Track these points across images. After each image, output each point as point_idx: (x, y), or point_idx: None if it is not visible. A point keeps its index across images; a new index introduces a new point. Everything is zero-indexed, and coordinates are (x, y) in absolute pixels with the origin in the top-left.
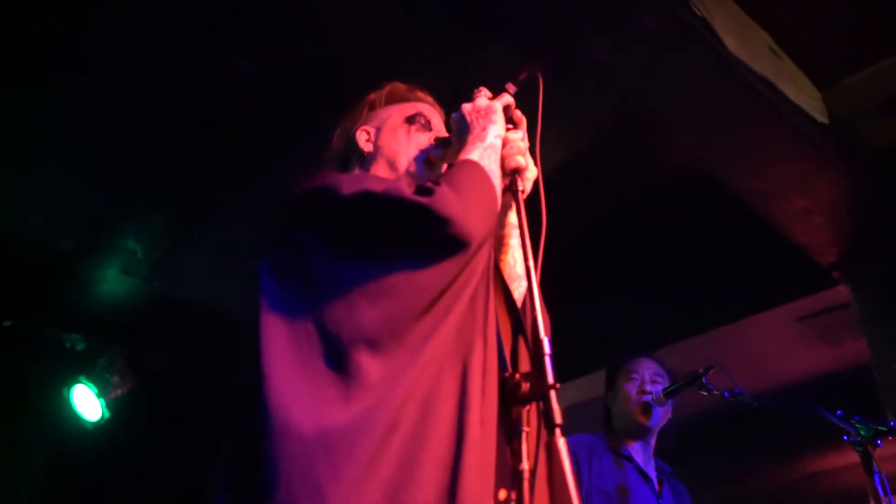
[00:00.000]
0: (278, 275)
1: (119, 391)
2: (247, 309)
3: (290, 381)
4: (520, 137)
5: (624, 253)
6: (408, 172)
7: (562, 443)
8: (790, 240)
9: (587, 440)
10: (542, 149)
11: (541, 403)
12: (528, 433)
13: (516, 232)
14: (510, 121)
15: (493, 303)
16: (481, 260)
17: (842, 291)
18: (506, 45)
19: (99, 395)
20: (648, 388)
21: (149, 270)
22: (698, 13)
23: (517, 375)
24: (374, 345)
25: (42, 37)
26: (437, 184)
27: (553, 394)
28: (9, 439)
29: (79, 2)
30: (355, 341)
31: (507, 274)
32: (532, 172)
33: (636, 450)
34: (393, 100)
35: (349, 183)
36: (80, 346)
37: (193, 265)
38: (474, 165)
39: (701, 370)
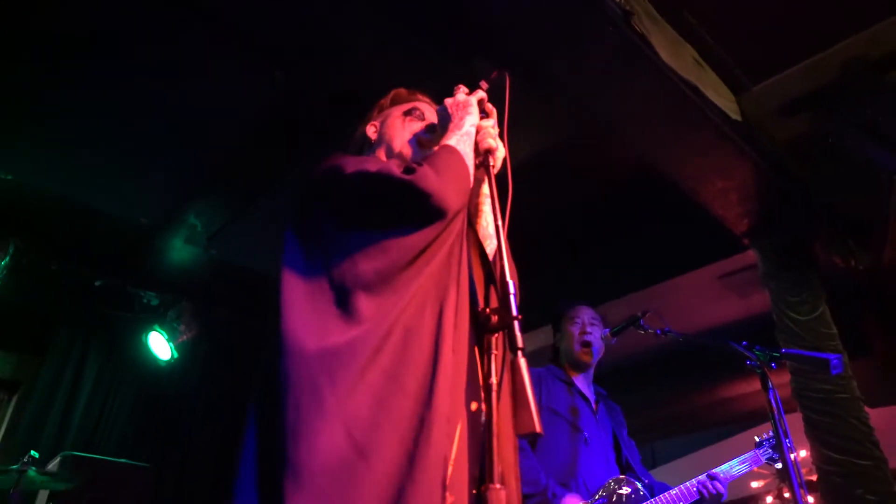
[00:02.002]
0: (300, 239)
1: (185, 337)
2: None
3: (303, 316)
4: (491, 125)
5: (579, 228)
6: (401, 154)
7: (523, 362)
8: (712, 213)
9: (536, 372)
10: (513, 147)
11: (506, 332)
12: (496, 355)
13: (489, 200)
14: (484, 112)
15: (467, 257)
16: (457, 224)
17: (751, 255)
18: (478, 65)
19: (169, 340)
20: (588, 329)
21: (207, 241)
22: (639, 31)
23: (487, 310)
24: (369, 288)
25: (127, 50)
26: (420, 164)
27: (516, 323)
28: (105, 370)
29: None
30: (355, 287)
31: (481, 234)
32: (501, 152)
33: (578, 378)
34: (397, 101)
35: (352, 163)
36: (154, 302)
37: (243, 236)
38: (451, 149)
39: (639, 314)
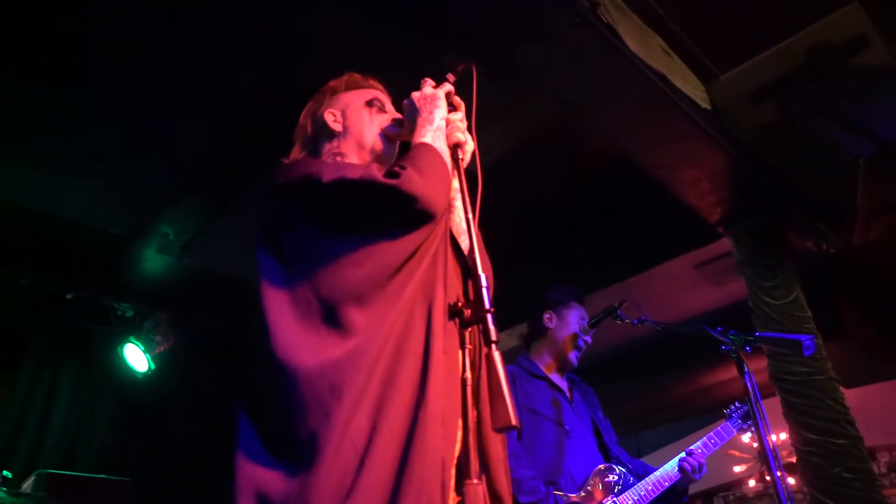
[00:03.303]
0: (275, 252)
1: (162, 348)
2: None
3: (293, 331)
4: (459, 118)
5: (557, 221)
6: (373, 150)
7: (497, 355)
8: (686, 203)
9: (509, 370)
10: (484, 141)
11: (480, 325)
12: (470, 349)
13: (459, 195)
14: (451, 105)
15: (449, 254)
16: (441, 225)
17: (725, 243)
18: (451, 55)
19: (146, 351)
20: (588, 339)
21: (180, 249)
22: (605, 21)
23: (460, 303)
24: (360, 299)
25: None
26: (403, 167)
27: (489, 316)
28: (82, 383)
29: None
30: (346, 297)
31: (454, 230)
32: (470, 146)
33: (553, 373)
34: (351, 86)
35: (328, 170)
36: (129, 313)
37: (217, 242)
38: (429, 147)
39: (616, 304)
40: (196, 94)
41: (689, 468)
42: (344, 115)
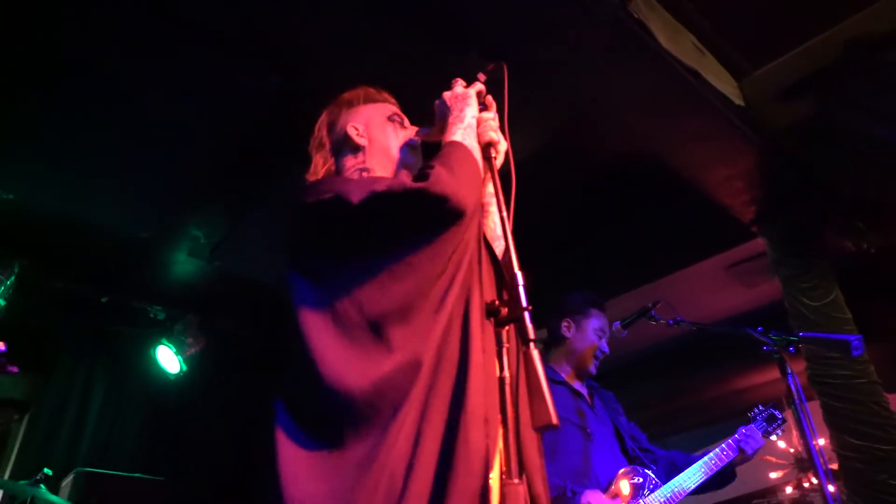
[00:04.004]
0: (310, 276)
1: (193, 350)
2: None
3: (342, 356)
4: (491, 117)
5: (584, 220)
6: (399, 162)
7: (535, 353)
8: (717, 202)
9: None
10: (513, 140)
11: (517, 324)
12: (508, 349)
13: (493, 199)
14: (483, 104)
15: (485, 259)
16: (474, 226)
17: (759, 243)
18: (474, 56)
19: (177, 353)
20: (606, 349)
21: (210, 252)
22: (636, 16)
23: (497, 302)
24: (403, 312)
25: (120, 62)
26: (432, 167)
27: (526, 314)
28: (114, 386)
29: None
30: (389, 312)
31: (489, 235)
32: (503, 145)
33: (574, 380)
34: (368, 100)
35: (358, 188)
36: (161, 316)
37: (245, 246)
38: (458, 145)
39: (650, 304)
40: (222, 98)
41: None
42: (367, 129)
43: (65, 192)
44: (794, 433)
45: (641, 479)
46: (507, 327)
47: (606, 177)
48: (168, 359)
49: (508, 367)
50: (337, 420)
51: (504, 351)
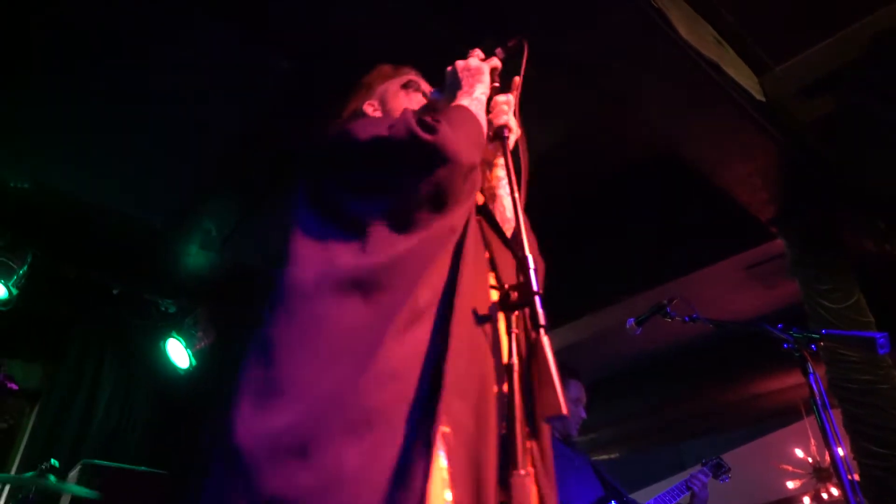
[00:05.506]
0: (312, 197)
1: (203, 344)
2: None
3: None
4: (506, 100)
5: (600, 216)
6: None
7: (546, 340)
8: (736, 199)
9: None
10: (531, 132)
11: (528, 308)
12: (517, 335)
13: (504, 183)
14: (504, 87)
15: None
16: (474, 185)
17: (779, 243)
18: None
19: (187, 347)
20: (583, 414)
21: (221, 245)
22: (655, 6)
23: (507, 286)
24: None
25: (132, 48)
26: (437, 120)
27: (537, 299)
28: (124, 378)
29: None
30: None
31: (499, 219)
32: (516, 132)
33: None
34: (385, 78)
35: (363, 128)
36: (171, 309)
37: (256, 239)
38: (463, 107)
39: (665, 301)
40: (235, 83)
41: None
42: (382, 101)
43: (79, 182)
44: (813, 442)
45: None
46: (516, 312)
47: (623, 174)
48: (178, 352)
49: (516, 354)
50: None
51: (513, 337)
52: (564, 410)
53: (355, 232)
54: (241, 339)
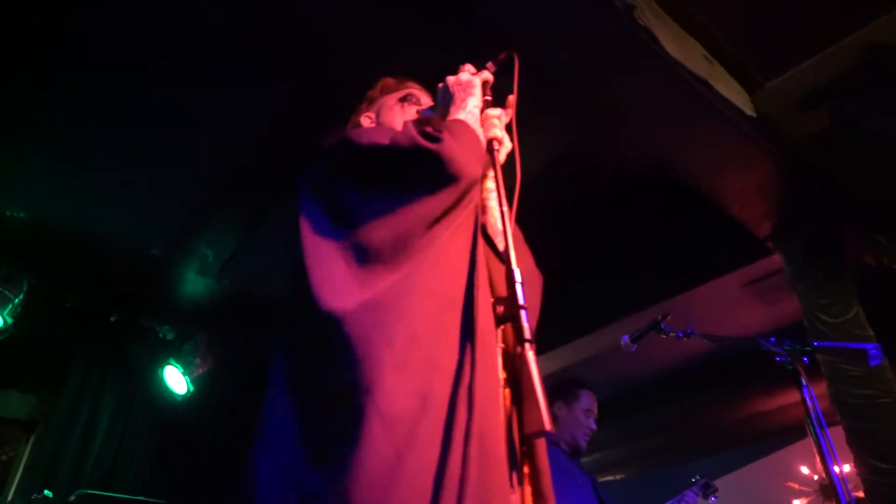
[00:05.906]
0: (320, 206)
1: (201, 370)
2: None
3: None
4: (497, 114)
5: (596, 235)
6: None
7: (530, 355)
8: (732, 216)
9: None
10: (524, 151)
11: (513, 323)
12: (502, 349)
13: (493, 195)
14: (501, 104)
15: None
16: (473, 196)
17: (776, 259)
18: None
19: (185, 373)
20: (594, 426)
21: (219, 271)
22: (641, 24)
23: (492, 300)
24: (386, 253)
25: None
26: (440, 131)
27: (523, 313)
28: (123, 404)
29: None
30: (378, 251)
31: (491, 232)
32: (507, 146)
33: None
34: (386, 91)
35: (361, 135)
36: (170, 335)
37: (254, 264)
38: (461, 121)
39: (659, 317)
40: (227, 113)
41: None
42: (378, 114)
43: (75, 210)
44: (818, 459)
45: None
46: (502, 327)
47: (618, 192)
48: (175, 379)
49: (501, 368)
50: (336, 340)
51: (499, 351)
52: (548, 426)
53: (356, 259)
54: (240, 365)
